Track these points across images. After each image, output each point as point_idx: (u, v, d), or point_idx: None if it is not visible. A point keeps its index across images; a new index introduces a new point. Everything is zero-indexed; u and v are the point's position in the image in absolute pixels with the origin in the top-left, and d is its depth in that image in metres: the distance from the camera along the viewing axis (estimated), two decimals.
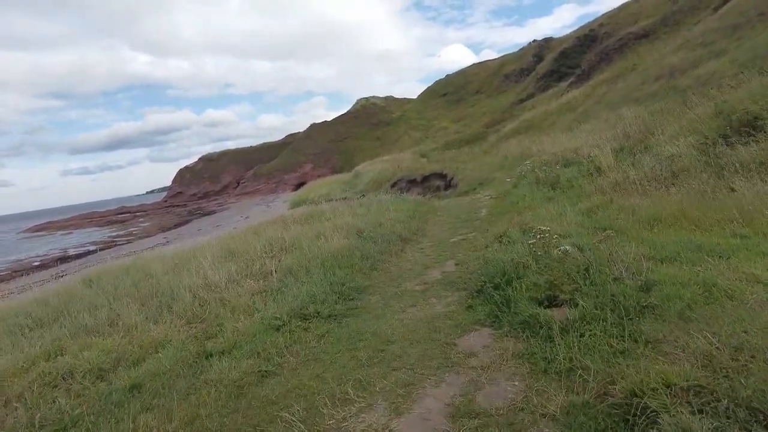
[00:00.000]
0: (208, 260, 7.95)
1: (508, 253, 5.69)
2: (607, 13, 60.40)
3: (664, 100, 13.37)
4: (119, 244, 46.77)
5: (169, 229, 57.02)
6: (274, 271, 7.25)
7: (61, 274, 25.49)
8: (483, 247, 7.30)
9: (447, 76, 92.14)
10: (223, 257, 8.69)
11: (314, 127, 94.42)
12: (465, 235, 9.29)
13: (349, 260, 7.64)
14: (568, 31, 71.59)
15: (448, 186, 23.88)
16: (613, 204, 7.13)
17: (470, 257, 7.29)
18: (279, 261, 7.85)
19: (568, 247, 4.86)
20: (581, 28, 63.59)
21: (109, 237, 58.86)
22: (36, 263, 41.19)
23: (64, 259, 40.87)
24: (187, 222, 61.69)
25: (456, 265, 7.24)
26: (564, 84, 47.58)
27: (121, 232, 63.00)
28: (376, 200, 13.79)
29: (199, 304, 6.63)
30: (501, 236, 6.92)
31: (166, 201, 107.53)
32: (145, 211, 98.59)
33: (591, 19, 63.88)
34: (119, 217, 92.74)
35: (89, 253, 42.84)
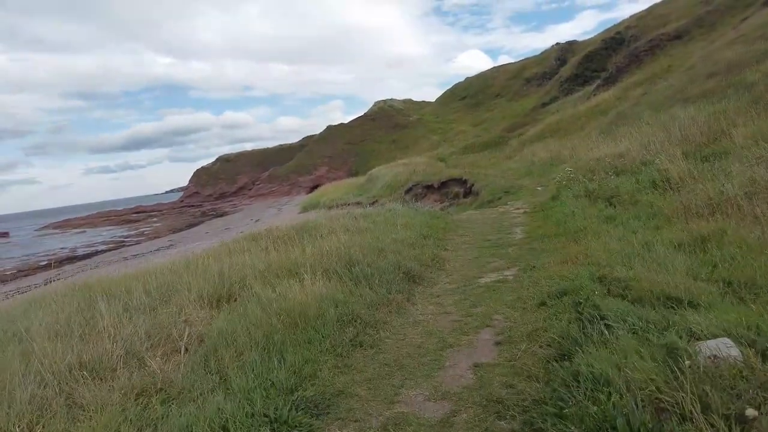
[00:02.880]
0: (134, 294, 5.95)
1: (601, 356, 3.03)
2: (634, 15, 58.87)
3: (727, 98, 11.43)
4: (128, 245, 46.53)
5: (180, 230, 56.60)
6: (183, 350, 4.48)
7: (54, 279, 24.27)
8: (536, 305, 5.00)
9: (466, 79, 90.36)
10: (150, 295, 6.09)
11: (330, 130, 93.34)
12: (500, 272, 6.69)
13: (318, 327, 4.79)
14: (588, 36, 69.69)
15: (468, 193, 22.08)
16: (727, 235, 4.87)
17: (518, 324, 4.69)
18: (211, 320, 5.22)
19: (730, 352, 2.55)
20: (607, 30, 62.10)
21: (120, 237, 58.68)
22: (43, 262, 40.52)
23: (70, 259, 40.14)
24: (198, 223, 61.12)
25: (497, 344, 4.38)
26: (590, 87, 45.88)
27: (132, 232, 62.92)
28: (386, 210, 11.62)
29: (38, 407, 3.67)
30: (564, 290, 4.79)
31: (182, 201, 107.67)
32: (160, 211, 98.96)
33: (612, 24, 62.42)
34: (134, 217, 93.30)
35: (97, 253, 42.45)
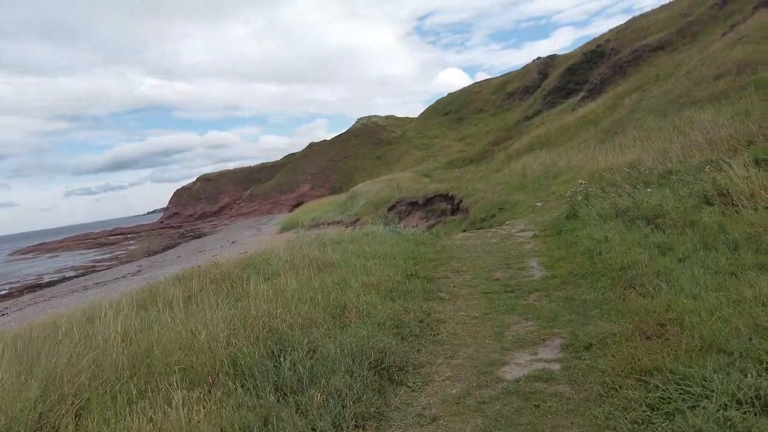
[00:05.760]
0: None
1: None
2: (613, 29, 59.74)
3: (745, 98, 10.17)
4: (99, 269, 44.61)
5: (156, 252, 54.77)
6: None
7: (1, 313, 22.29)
8: None
9: (449, 94, 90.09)
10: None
11: (313, 147, 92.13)
12: (533, 353, 4.21)
13: None
14: (565, 52, 70.57)
15: (455, 210, 20.57)
16: None
17: None
18: None
19: None
20: (587, 44, 62.82)
21: (92, 261, 56.53)
22: (4, 292, 38.06)
23: (33, 287, 37.74)
24: (175, 245, 59.22)
25: None
26: (574, 99, 45.73)
27: (107, 256, 60.91)
28: (363, 235, 9.57)
29: None
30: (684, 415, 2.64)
31: (161, 222, 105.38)
32: (138, 233, 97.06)
33: (588, 40, 63.36)
34: (111, 239, 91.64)
35: (64, 279, 40.29)
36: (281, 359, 3.71)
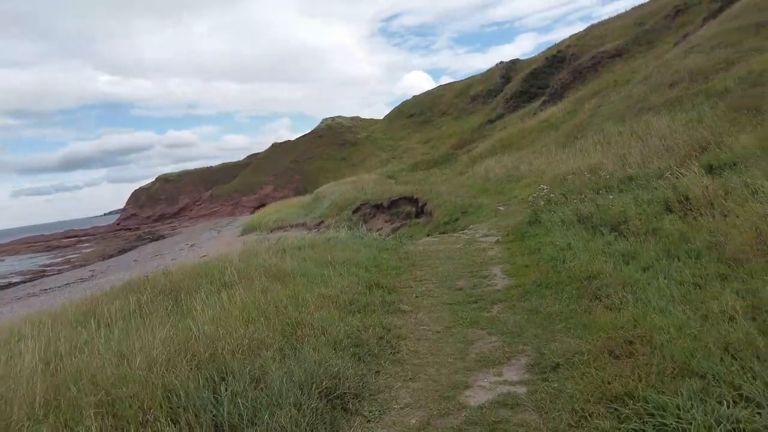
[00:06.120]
0: None
1: None
2: (574, 35, 61.48)
3: (698, 106, 10.40)
4: (49, 274, 42.15)
5: (111, 256, 52.40)
6: None
7: None
8: None
9: (414, 97, 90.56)
10: None
11: (276, 147, 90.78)
12: (497, 373, 3.98)
13: None
14: (528, 57, 72.26)
15: (420, 213, 20.45)
16: None
17: None
18: None
19: None
20: (549, 49, 64.33)
21: (42, 265, 53.50)
22: None
23: None
24: (132, 248, 56.98)
25: None
26: (535, 103, 46.61)
27: (58, 260, 57.75)
28: (325, 239, 9.14)
29: None
30: None
31: (118, 224, 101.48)
32: (93, 235, 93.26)
33: (550, 45, 65.26)
34: (64, 242, 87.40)
35: (10, 285, 37.93)
36: (223, 389, 3.28)
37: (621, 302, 4.27)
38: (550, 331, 4.49)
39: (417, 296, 6.43)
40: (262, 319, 4.74)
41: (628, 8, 55.29)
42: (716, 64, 12.93)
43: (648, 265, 4.90)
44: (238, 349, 3.99)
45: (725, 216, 4.97)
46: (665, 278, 4.40)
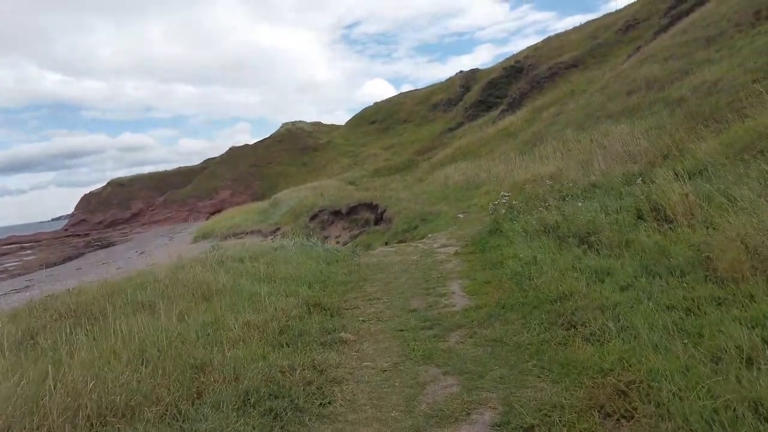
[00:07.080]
0: None
1: None
2: (531, 46, 63.13)
3: (656, 114, 10.38)
4: None
5: (54, 264, 49.21)
6: None
7: None
8: None
9: (375, 104, 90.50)
10: None
11: (234, 151, 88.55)
12: None
13: None
14: (486, 67, 73.80)
15: (379, 220, 19.92)
16: None
17: None
18: None
19: None
20: (507, 59, 65.74)
21: None
22: None
23: None
24: (79, 256, 53.83)
25: None
26: (494, 112, 47.41)
27: None
28: (271, 249, 8.36)
29: None
30: None
31: (66, 230, 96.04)
32: (38, 241, 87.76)
33: (507, 57, 66.98)
34: (3, 249, 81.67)
35: None
36: None
37: (602, 332, 3.68)
38: (518, 372, 3.78)
39: (363, 320, 5.68)
40: (159, 357, 3.85)
41: (583, 22, 57.28)
42: (671, 73, 13.12)
43: (626, 284, 4.35)
44: (110, 408, 3.07)
45: (707, 228, 4.54)
46: (650, 301, 3.85)
